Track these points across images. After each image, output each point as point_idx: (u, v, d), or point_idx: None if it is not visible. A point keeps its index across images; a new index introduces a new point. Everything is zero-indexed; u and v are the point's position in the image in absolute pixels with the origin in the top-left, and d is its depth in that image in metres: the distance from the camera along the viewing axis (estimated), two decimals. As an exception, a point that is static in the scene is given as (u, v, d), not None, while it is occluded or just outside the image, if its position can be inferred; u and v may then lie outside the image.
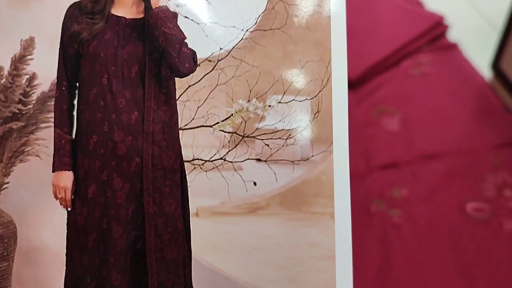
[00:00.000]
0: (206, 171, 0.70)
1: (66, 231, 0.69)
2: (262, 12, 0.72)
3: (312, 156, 0.70)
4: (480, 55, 1.21)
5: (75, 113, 0.70)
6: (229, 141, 0.71)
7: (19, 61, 0.73)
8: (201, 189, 0.70)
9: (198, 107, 0.72)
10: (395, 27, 1.26)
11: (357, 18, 1.31)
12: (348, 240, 0.63)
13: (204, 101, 0.72)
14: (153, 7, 0.65)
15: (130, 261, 0.67)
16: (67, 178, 0.68)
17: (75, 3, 0.70)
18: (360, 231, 0.85)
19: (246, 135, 0.71)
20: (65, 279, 0.68)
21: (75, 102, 0.70)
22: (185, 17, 0.71)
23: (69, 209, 0.69)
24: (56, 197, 0.69)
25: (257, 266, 0.67)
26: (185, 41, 0.67)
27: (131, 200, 0.67)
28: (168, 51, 0.65)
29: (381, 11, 1.32)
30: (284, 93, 0.70)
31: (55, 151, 0.69)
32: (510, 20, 1.07)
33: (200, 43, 0.70)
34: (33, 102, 0.73)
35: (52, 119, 0.71)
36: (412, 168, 0.95)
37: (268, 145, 0.70)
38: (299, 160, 0.69)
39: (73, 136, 0.69)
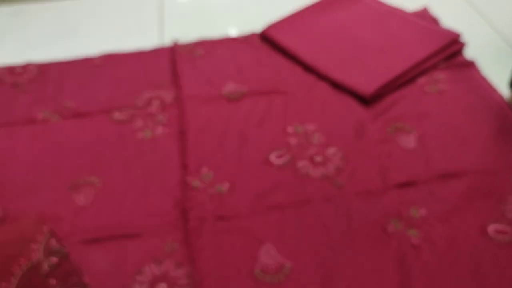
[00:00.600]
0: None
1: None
2: None
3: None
4: (497, 74, 1.18)
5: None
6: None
7: None
8: None
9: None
10: (411, 44, 1.24)
11: (372, 34, 1.30)
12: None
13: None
14: None
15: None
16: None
17: None
18: (378, 251, 0.82)
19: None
20: None
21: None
22: None
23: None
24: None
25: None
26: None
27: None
28: None
29: (397, 28, 1.31)
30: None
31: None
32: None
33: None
34: None
35: None
36: (430, 187, 0.92)
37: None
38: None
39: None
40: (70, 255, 0.86)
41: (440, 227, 0.85)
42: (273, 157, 1.01)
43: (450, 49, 1.24)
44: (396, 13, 1.36)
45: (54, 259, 0.83)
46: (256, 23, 1.38)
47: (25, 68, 1.27)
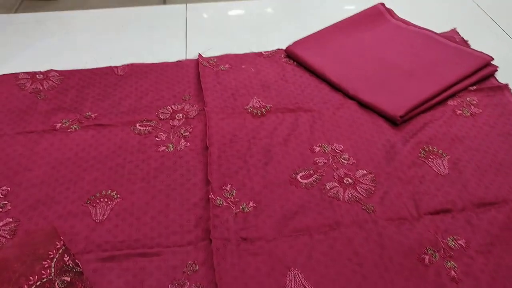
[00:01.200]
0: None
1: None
2: None
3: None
4: (532, 99, 1.14)
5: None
6: None
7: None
8: None
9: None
10: (442, 66, 1.20)
11: (400, 55, 1.27)
12: None
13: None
14: None
15: None
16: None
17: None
18: (414, 283, 0.76)
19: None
20: None
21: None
22: None
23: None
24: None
25: None
26: None
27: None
28: None
29: (426, 49, 1.28)
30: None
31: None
32: None
33: None
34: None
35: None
36: (467, 216, 0.87)
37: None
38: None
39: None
40: (84, 274, 0.81)
41: (481, 260, 0.79)
42: (299, 177, 0.96)
43: (483, 72, 1.20)
44: (425, 34, 1.33)
45: (67, 278, 0.79)
46: (279, 40, 1.36)
47: (47, 74, 1.25)
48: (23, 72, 1.26)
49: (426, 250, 0.81)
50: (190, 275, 0.80)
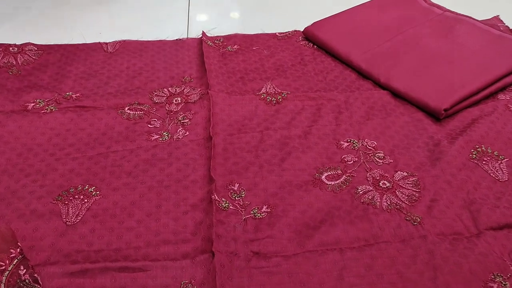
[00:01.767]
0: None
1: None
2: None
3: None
4: None
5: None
6: None
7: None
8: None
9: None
10: (488, 55, 1.02)
11: (438, 42, 1.09)
12: None
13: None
14: None
15: None
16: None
17: None
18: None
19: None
20: None
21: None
22: None
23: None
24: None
25: None
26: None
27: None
28: None
29: (467, 36, 1.10)
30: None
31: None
32: None
33: None
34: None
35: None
36: (539, 233, 0.69)
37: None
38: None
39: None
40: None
41: None
42: (325, 177, 0.78)
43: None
44: (464, 20, 1.16)
45: (20, 297, 0.59)
46: (295, 21, 1.18)
47: (22, 47, 1.06)
48: (-5, 44, 1.07)
49: (493, 277, 0.63)
50: (184, 299, 0.61)
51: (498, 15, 1.21)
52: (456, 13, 1.19)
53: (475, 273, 0.63)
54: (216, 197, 0.73)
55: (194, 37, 1.14)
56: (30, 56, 1.04)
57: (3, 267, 0.61)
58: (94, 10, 1.28)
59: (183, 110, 0.91)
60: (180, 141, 0.84)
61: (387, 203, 0.74)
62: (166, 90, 0.96)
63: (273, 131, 0.86)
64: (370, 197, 0.75)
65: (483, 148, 0.83)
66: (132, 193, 0.75)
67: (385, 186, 0.76)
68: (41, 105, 0.91)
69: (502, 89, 0.97)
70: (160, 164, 0.80)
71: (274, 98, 0.94)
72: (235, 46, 1.10)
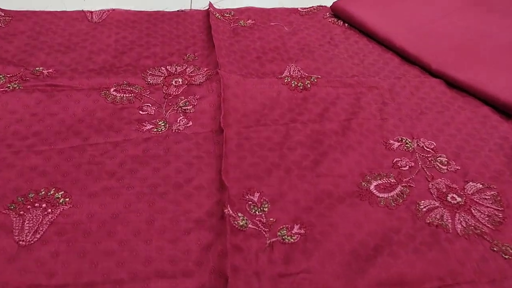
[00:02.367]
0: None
1: None
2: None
3: None
4: None
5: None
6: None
7: None
8: None
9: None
10: None
11: (497, 25, 0.90)
12: None
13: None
14: None
15: None
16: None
17: None
18: None
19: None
20: None
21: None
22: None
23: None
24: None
25: None
26: None
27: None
28: None
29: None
30: None
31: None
32: None
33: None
34: None
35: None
36: None
37: None
38: None
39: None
40: None
41: None
42: (374, 187, 0.59)
43: None
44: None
45: None
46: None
47: (-17, 12, 0.85)
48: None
49: None
50: None
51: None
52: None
53: None
54: (230, 211, 0.53)
55: (201, 7, 0.95)
56: (-6, 23, 0.84)
57: None
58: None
59: (185, 93, 0.71)
60: (181, 133, 0.64)
61: (462, 225, 0.55)
62: (163, 69, 0.76)
63: (301, 125, 0.67)
64: (437, 216, 0.55)
65: None
66: (114, 202, 0.55)
67: (455, 202, 0.57)
68: (1, 81, 0.70)
69: None
70: (154, 162, 0.60)
71: (301, 83, 0.74)
72: (249, 21, 0.90)
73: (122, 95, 0.70)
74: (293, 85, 0.74)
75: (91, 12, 0.89)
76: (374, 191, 0.58)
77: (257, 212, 0.54)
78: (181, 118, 0.67)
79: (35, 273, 0.47)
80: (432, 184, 0.59)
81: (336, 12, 0.94)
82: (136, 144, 0.62)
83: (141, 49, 0.81)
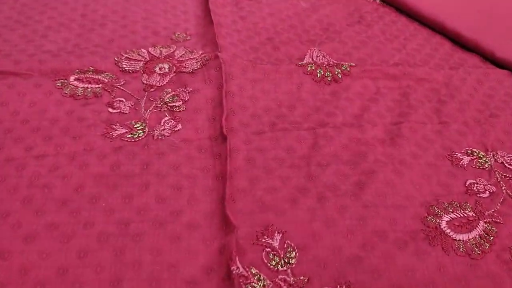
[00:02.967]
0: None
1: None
2: None
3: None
4: None
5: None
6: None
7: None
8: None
9: None
10: None
11: None
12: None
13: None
14: None
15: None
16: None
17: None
18: None
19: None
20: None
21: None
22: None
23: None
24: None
25: None
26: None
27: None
28: None
29: None
30: None
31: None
32: None
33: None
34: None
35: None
36: None
37: None
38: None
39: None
40: None
41: None
42: (445, 224, 0.41)
43: None
44: None
45: None
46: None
47: None
48: None
49: None
50: None
51: None
52: None
53: None
54: (240, 267, 0.35)
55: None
56: None
57: None
58: None
59: (173, 84, 0.52)
60: (166, 140, 0.46)
61: None
62: (144, 51, 0.57)
63: (333, 130, 0.48)
64: (547, 272, 0.38)
65: None
66: (63, 249, 0.36)
67: None
68: None
69: None
70: (125, 185, 0.41)
71: (329, 72, 0.56)
72: (256, -7, 0.71)
73: (85, 85, 0.51)
74: (318, 75, 0.55)
75: (54, -22, 0.70)
76: (447, 230, 0.40)
77: (280, 266, 0.36)
78: (166, 119, 0.48)
79: None
80: (528, 220, 0.42)
81: (365, -16, 0.75)
82: (102, 156, 0.43)
83: (115, 25, 0.62)
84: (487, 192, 0.44)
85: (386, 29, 0.66)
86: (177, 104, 0.50)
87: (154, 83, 0.52)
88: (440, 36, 0.66)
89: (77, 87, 0.50)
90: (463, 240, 0.39)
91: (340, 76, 0.55)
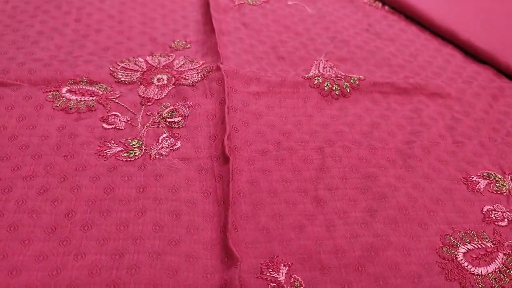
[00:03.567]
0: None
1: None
2: None
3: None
4: None
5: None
6: None
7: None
8: None
9: None
10: None
11: None
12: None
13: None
14: None
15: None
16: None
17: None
18: None
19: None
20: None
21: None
22: None
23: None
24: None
25: None
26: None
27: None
28: None
29: None
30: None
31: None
32: None
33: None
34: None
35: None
36: None
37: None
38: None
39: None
40: None
41: None
42: (463, 256, 0.38)
43: None
44: None
45: None
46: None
47: None
48: None
49: None
50: None
51: None
52: None
53: None
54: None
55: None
56: None
57: None
58: None
59: (172, 98, 0.49)
60: (164, 160, 0.43)
61: None
62: (141, 60, 0.54)
63: (342, 149, 0.45)
64: None
65: None
66: (53, 282, 0.33)
67: None
68: None
69: None
70: (121, 210, 0.38)
71: (337, 85, 0.53)
72: (259, -2, 0.68)
73: (78, 98, 0.47)
74: (326, 88, 0.52)
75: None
76: (465, 263, 0.37)
77: (287, 305, 0.34)
78: (164, 136, 0.45)
79: None
80: (549, 252, 0.39)
81: (373, -10, 0.72)
82: (95, 178, 0.40)
83: (111, 31, 0.58)
84: (506, 220, 0.41)
85: (396, 38, 0.63)
86: (176, 119, 0.47)
87: (151, 96, 0.49)
88: (451, 46, 0.63)
89: (69, 99, 0.47)
90: (481, 275, 0.37)
91: (348, 90, 0.53)
